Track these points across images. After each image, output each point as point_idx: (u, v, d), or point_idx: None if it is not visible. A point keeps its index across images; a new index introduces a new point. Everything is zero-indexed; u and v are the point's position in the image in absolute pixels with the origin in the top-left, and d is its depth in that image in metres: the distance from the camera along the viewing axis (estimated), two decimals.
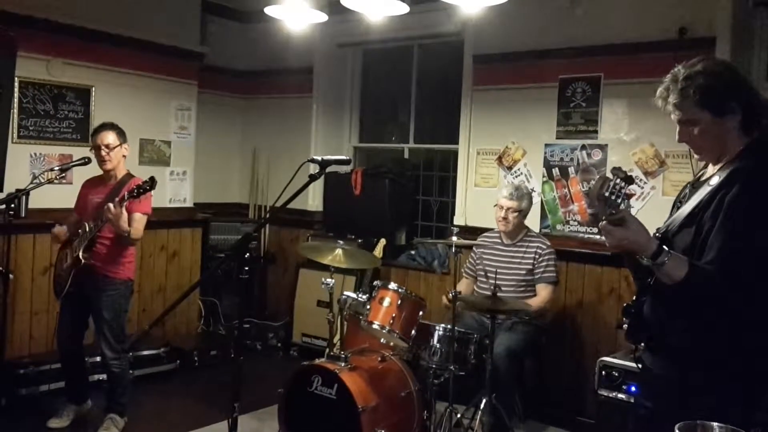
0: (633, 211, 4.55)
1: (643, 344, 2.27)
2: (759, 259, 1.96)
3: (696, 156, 2.21)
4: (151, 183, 3.82)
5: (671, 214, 2.27)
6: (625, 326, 2.23)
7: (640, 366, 2.32)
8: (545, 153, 5.00)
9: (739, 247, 1.96)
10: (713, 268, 1.96)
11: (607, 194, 1.97)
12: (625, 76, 4.59)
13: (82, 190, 4.32)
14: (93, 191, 4.23)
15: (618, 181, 1.98)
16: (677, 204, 2.28)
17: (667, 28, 4.41)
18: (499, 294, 3.77)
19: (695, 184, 2.21)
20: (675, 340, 2.11)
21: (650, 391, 2.25)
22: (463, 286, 4.61)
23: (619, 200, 1.97)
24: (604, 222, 2.01)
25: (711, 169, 2.19)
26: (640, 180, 4.55)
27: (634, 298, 2.23)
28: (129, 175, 4.21)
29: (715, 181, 2.08)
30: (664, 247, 1.99)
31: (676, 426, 1.27)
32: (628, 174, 2.01)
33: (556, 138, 4.94)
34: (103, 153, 4.10)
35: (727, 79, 2.07)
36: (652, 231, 2.11)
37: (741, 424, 1.85)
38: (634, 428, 2.44)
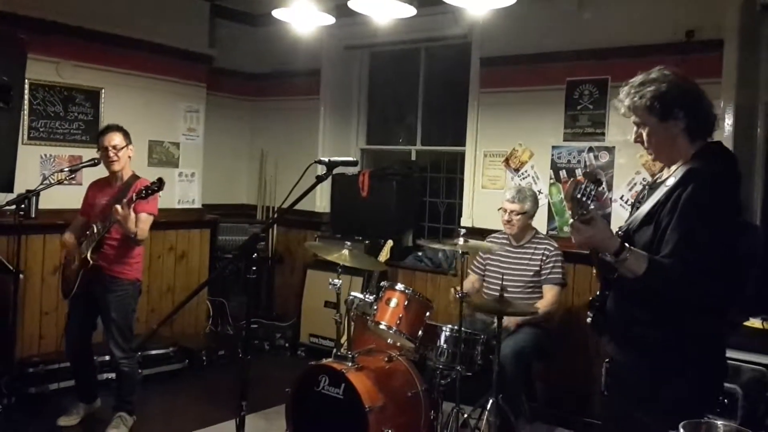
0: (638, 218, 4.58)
1: (607, 337, 2.43)
2: (711, 252, 2.12)
3: (650, 156, 2.40)
4: (159, 184, 3.85)
5: (631, 214, 2.46)
6: (589, 320, 2.42)
7: (607, 361, 2.50)
8: (552, 155, 5.01)
9: (693, 242, 2.12)
10: (670, 261, 2.12)
11: (579, 196, 2.13)
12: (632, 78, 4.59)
13: (89, 192, 4.36)
14: (99, 193, 4.26)
15: (589, 184, 2.14)
16: (636, 204, 2.47)
17: (674, 30, 4.42)
18: (506, 296, 3.78)
19: (653, 186, 2.40)
20: (637, 331, 2.28)
21: (616, 380, 2.43)
22: (469, 282, 4.62)
23: (589, 201, 2.14)
24: (574, 220, 2.18)
25: (666, 171, 2.37)
26: (647, 182, 4.54)
27: (597, 293, 2.41)
28: (135, 177, 4.25)
29: (671, 182, 2.25)
30: (626, 244, 2.16)
31: (680, 425, 1.28)
32: (597, 177, 2.19)
33: (564, 140, 4.95)
34: (111, 154, 4.13)
35: (675, 88, 2.25)
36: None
37: (698, 409, 2.16)
38: (604, 416, 2.67)
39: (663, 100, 2.23)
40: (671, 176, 2.28)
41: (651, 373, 2.24)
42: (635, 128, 2.35)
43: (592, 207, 2.15)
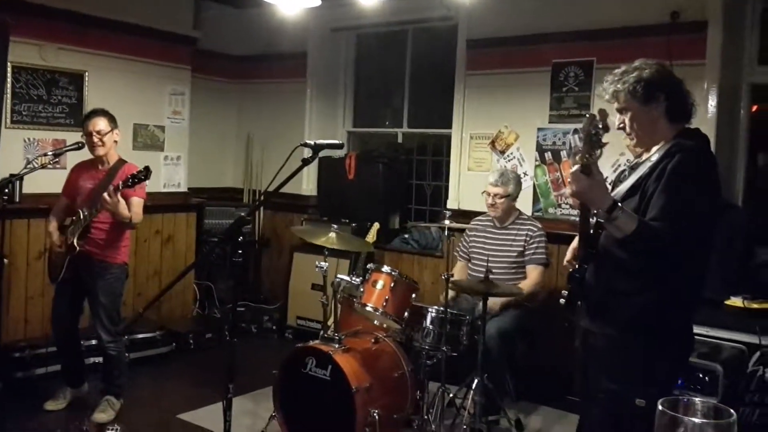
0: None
1: (583, 310, 2.51)
2: (695, 220, 2.24)
3: (632, 142, 2.48)
4: (146, 173, 3.82)
5: (612, 191, 2.52)
6: (565, 293, 2.48)
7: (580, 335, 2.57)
8: (538, 137, 5.03)
9: (679, 208, 2.22)
10: (657, 224, 2.22)
11: (593, 132, 2.21)
12: (618, 60, 4.47)
13: (72, 174, 4.31)
14: (84, 176, 4.22)
15: (601, 122, 2.21)
16: (617, 183, 2.57)
17: (659, 12, 4.43)
18: (491, 277, 3.81)
19: (633, 166, 2.52)
20: (614, 302, 2.37)
21: (589, 352, 2.50)
22: (458, 269, 4.65)
23: (599, 141, 2.22)
24: (576, 168, 2.24)
25: (646, 153, 2.47)
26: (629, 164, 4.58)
27: (577, 266, 2.47)
28: (121, 161, 4.21)
29: (654, 157, 2.37)
30: (619, 203, 2.24)
31: (659, 401, 1.31)
32: (606, 120, 2.26)
33: (549, 122, 4.97)
34: (95, 139, 4.09)
35: (655, 73, 2.38)
36: None
37: (668, 378, 2.34)
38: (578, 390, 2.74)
39: (645, 85, 2.35)
40: (654, 154, 2.39)
41: (622, 342, 2.34)
42: (618, 115, 2.44)
43: (599, 152, 2.23)
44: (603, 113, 2.26)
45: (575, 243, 2.58)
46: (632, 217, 2.23)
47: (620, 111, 2.44)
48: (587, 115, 2.24)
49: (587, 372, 2.53)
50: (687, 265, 2.30)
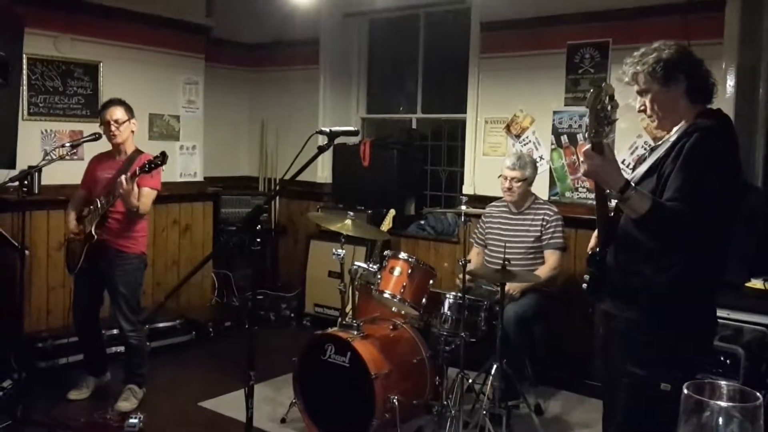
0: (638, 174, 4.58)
1: (605, 292, 2.48)
2: (712, 200, 2.21)
3: (653, 124, 2.46)
4: (162, 158, 3.85)
5: (632, 173, 2.53)
6: (587, 277, 2.47)
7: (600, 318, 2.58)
8: (554, 120, 4.99)
9: (695, 187, 2.19)
10: (673, 204, 2.19)
11: (599, 107, 2.16)
12: (634, 41, 4.48)
13: (90, 165, 4.35)
14: (102, 167, 4.25)
15: (607, 96, 2.16)
16: (636, 166, 2.56)
17: None
18: (508, 267, 3.80)
19: (654, 148, 2.50)
20: (636, 283, 2.34)
21: (612, 335, 2.47)
22: (474, 255, 4.64)
23: (607, 118, 2.17)
24: (587, 147, 2.22)
25: (666, 136, 2.45)
26: (650, 146, 4.54)
27: (597, 248, 2.46)
28: (138, 151, 4.24)
29: (673, 137, 2.35)
30: (631, 183, 2.23)
31: (684, 385, 1.30)
32: (613, 93, 2.20)
33: (565, 105, 4.93)
34: (113, 128, 4.12)
35: (674, 53, 2.36)
36: None
37: (692, 361, 2.31)
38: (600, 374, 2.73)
39: (664, 65, 2.32)
40: (673, 135, 2.37)
41: (645, 325, 2.32)
42: (638, 98, 2.43)
43: (608, 128, 2.20)
44: (609, 87, 2.22)
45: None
46: (646, 197, 2.21)
47: (640, 93, 2.42)
48: (591, 90, 2.19)
49: (609, 356, 2.52)
50: (706, 246, 2.27)
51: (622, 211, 2.36)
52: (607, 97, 2.17)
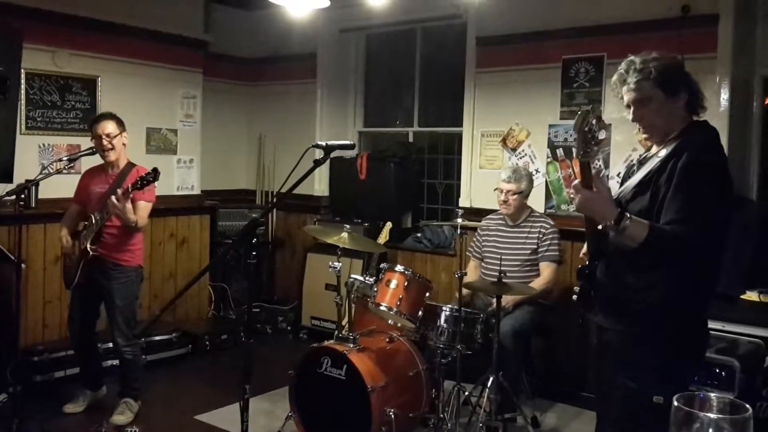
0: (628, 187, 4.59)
1: (595, 306, 2.49)
2: (711, 218, 2.20)
3: (644, 136, 2.45)
4: (155, 174, 3.85)
5: (621, 186, 2.54)
6: (576, 289, 2.46)
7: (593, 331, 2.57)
8: (549, 134, 5.02)
9: (694, 208, 2.17)
10: (672, 227, 2.17)
11: (586, 129, 2.14)
12: (629, 55, 4.56)
13: (83, 180, 4.36)
14: (95, 181, 4.26)
15: (593, 118, 2.15)
16: (626, 178, 2.54)
17: (670, 6, 4.40)
18: (504, 280, 3.80)
19: (642, 161, 2.47)
20: (626, 297, 2.33)
21: (603, 348, 2.48)
22: (471, 269, 4.64)
23: (594, 138, 2.15)
24: (576, 182, 2.22)
25: (655, 148, 2.43)
26: (637, 158, 4.56)
27: (587, 262, 2.45)
28: (130, 165, 4.24)
29: (663, 153, 2.32)
30: (625, 213, 2.20)
31: (674, 397, 1.31)
32: (600, 114, 2.26)
33: (560, 118, 4.96)
34: (105, 142, 4.12)
35: (677, 66, 2.40)
36: None
37: (684, 374, 2.31)
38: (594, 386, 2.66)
39: (671, 75, 2.32)
40: (662, 149, 2.35)
41: (637, 338, 2.31)
42: (633, 107, 2.37)
43: (596, 148, 2.18)
44: (596, 109, 2.22)
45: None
46: (642, 225, 2.19)
47: (638, 102, 2.36)
48: (579, 112, 2.17)
49: (602, 368, 2.52)
50: (700, 260, 2.26)
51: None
52: (595, 119, 2.16)
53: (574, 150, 4.88)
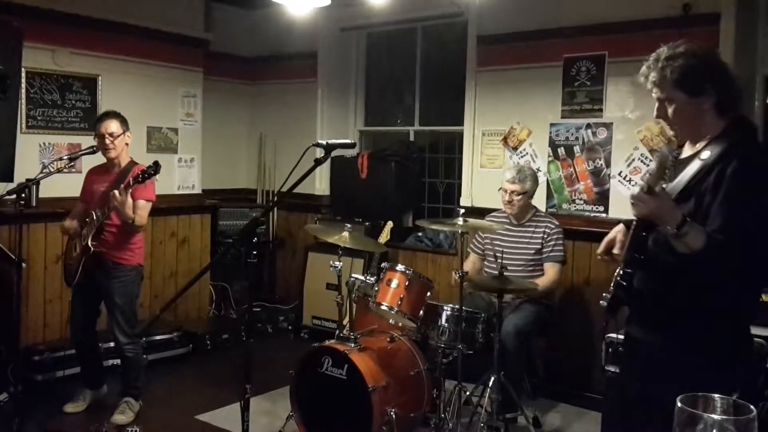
0: (637, 188, 4.59)
1: (632, 317, 2.36)
2: (759, 229, 2.05)
3: (670, 132, 2.31)
4: (155, 167, 3.86)
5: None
6: (606, 297, 2.25)
7: (625, 339, 2.42)
8: (550, 133, 5.01)
9: (743, 217, 2.04)
10: (720, 238, 2.02)
11: (666, 167, 2.07)
12: (630, 53, 4.57)
13: (87, 178, 4.37)
14: (98, 180, 4.27)
15: (675, 153, 2.12)
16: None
17: (671, 4, 4.40)
18: (506, 274, 3.80)
19: (678, 160, 2.28)
20: (667, 310, 2.18)
21: (638, 361, 2.32)
22: (470, 263, 4.63)
23: (666, 174, 2.09)
24: (638, 192, 2.08)
25: (689, 148, 2.27)
26: (646, 158, 4.57)
27: (621, 271, 2.22)
28: (132, 163, 4.25)
29: (705, 155, 2.14)
30: (687, 218, 2.04)
31: (678, 398, 1.30)
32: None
33: (561, 117, 4.95)
34: (107, 141, 4.13)
35: (704, 63, 2.17)
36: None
37: (732, 387, 2.04)
38: (617, 396, 2.49)
39: (693, 75, 2.15)
40: (704, 150, 2.17)
41: (681, 353, 2.15)
42: (657, 103, 2.24)
43: (663, 183, 2.09)
44: (672, 150, 2.15)
45: (611, 234, 2.39)
46: (701, 232, 2.03)
47: (661, 101, 2.22)
48: (665, 144, 2.08)
49: (640, 381, 2.31)
50: (744, 271, 2.09)
51: (649, 231, 2.18)
52: (676, 152, 2.13)
53: (578, 148, 4.87)
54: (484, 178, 5.33)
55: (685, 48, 2.17)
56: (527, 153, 5.13)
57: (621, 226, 2.37)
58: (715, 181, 2.08)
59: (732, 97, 2.19)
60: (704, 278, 2.10)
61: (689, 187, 2.15)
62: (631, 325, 2.36)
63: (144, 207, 4.12)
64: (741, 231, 2.03)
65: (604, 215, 4.78)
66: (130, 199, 3.94)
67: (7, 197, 4.05)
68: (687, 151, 2.28)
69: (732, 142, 2.12)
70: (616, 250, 2.36)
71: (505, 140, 5.25)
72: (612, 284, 2.25)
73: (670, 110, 2.20)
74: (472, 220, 4.02)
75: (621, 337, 3.71)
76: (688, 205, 2.13)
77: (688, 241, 2.04)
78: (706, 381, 1.88)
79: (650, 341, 2.26)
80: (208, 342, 5.64)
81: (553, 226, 4.39)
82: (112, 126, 4.14)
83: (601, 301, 2.28)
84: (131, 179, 3.88)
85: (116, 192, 3.86)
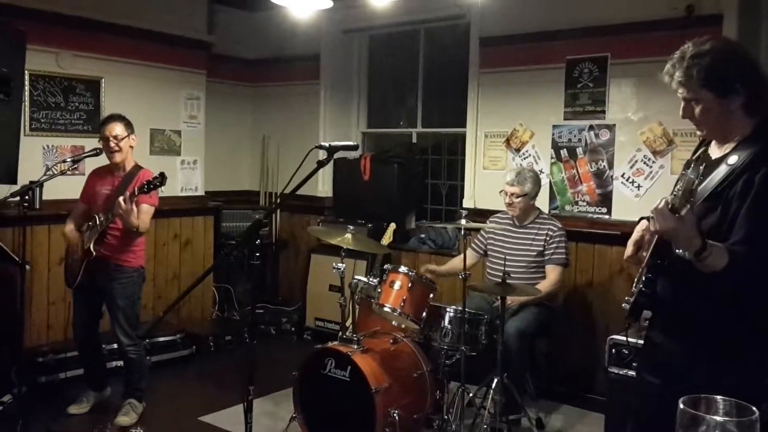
0: (642, 191, 4.59)
1: (647, 322, 2.30)
2: None
3: (699, 132, 2.21)
4: (161, 179, 3.84)
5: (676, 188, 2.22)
6: (629, 299, 2.18)
7: (645, 343, 2.34)
8: (553, 134, 5.01)
9: None
10: (745, 249, 1.96)
11: (692, 188, 1.95)
12: (633, 55, 4.59)
13: (90, 179, 4.37)
14: (101, 182, 4.27)
15: (701, 174, 1.98)
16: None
17: (674, 6, 4.39)
18: (508, 280, 3.79)
19: (708, 163, 2.15)
20: (694, 318, 2.11)
21: (661, 369, 2.24)
22: (467, 259, 4.60)
23: (693, 196, 1.98)
24: (662, 206, 1.98)
25: (717, 147, 2.18)
26: (649, 159, 4.57)
27: (644, 277, 2.15)
28: (137, 167, 4.25)
29: (733, 160, 2.06)
30: (707, 242, 1.95)
31: (680, 400, 1.30)
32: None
33: (564, 119, 4.95)
34: (112, 144, 4.13)
35: (733, 60, 2.07)
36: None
37: (754, 399, 1.91)
38: (644, 406, 2.45)
39: (722, 74, 2.04)
40: (732, 154, 2.09)
41: (709, 361, 2.07)
42: (683, 103, 2.14)
43: (688, 203, 1.97)
44: (700, 170, 2.00)
45: (636, 235, 2.24)
46: (723, 253, 1.96)
47: (687, 100, 2.12)
48: (693, 166, 1.97)
49: (648, 385, 2.27)
50: None
51: None
52: (698, 181, 1.99)
53: (580, 150, 4.87)
54: (487, 179, 5.33)
55: (711, 45, 2.07)
56: (530, 155, 5.13)
57: (644, 222, 2.21)
58: (742, 189, 2.01)
59: (762, 96, 2.08)
60: (729, 287, 2.03)
61: (716, 193, 2.07)
62: (653, 330, 2.30)
63: (147, 212, 4.12)
64: (764, 244, 1.96)
65: (607, 217, 4.78)
66: (135, 208, 3.94)
67: (11, 199, 4.06)
68: (714, 150, 2.20)
69: (762, 147, 2.04)
70: (645, 252, 2.22)
71: (507, 142, 5.25)
72: (633, 287, 2.19)
73: (696, 110, 2.10)
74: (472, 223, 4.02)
75: (625, 339, 3.74)
76: (714, 214, 2.06)
77: (709, 264, 1.97)
78: (732, 389, 1.78)
79: (673, 348, 2.19)
80: (211, 343, 5.65)
81: (555, 229, 4.39)
82: (117, 129, 4.14)
83: (624, 305, 2.21)
84: (136, 189, 3.87)
85: (121, 200, 3.85)
